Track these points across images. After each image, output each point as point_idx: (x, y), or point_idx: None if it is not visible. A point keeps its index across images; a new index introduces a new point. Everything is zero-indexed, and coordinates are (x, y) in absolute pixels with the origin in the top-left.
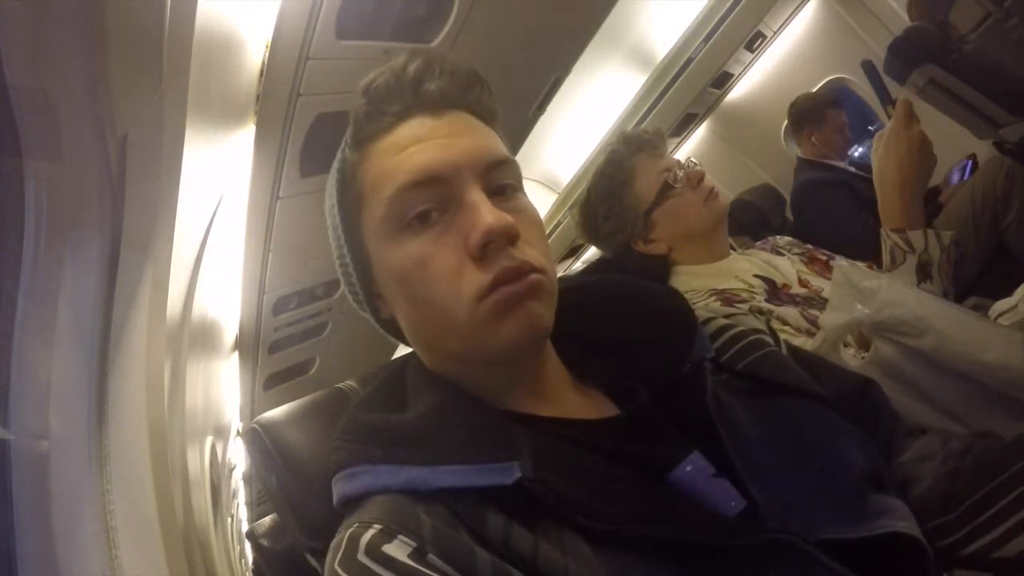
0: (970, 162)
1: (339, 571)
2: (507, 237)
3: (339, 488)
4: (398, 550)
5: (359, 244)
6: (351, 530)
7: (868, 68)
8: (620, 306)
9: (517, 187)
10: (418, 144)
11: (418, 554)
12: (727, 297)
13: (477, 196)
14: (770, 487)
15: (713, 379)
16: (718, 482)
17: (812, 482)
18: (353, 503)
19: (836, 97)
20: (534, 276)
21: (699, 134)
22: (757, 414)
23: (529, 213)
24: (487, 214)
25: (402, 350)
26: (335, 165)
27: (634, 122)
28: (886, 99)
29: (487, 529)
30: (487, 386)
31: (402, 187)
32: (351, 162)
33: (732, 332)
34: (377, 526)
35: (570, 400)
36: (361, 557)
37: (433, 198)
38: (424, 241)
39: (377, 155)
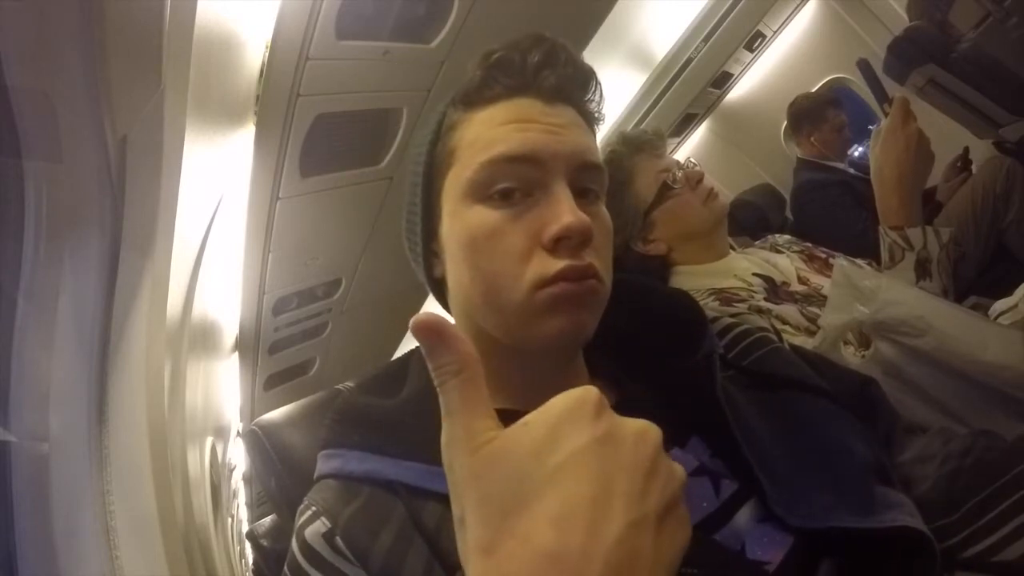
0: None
1: (294, 537)
2: (582, 238)
3: (318, 467)
4: (316, 535)
5: (435, 198)
6: (301, 506)
7: (864, 67)
8: (631, 302)
9: (600, 195)
10: (524, 123)
11: (330, 534)
12: (726, 296)
13: (563, 191)
14: (776, 474)
15: (720, 374)
16: (692, 482)
17: (818, 471)
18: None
19: (835, 97)
20: (594, 282)
21: (699, 134)
22: (763, 407)
23: (604, 223)
24: (569, 212)
25: (403, 350)
26: (434, 118)
27: (634, 122)
28: (882, 97)
29: (423, 515)
30: (503, 375)
31: (497, 157)
32: (451, 119)
33: (738, 330)
34: (313, 508)
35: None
36: (298, 532)
37: (522, 178)
38: (501, 216)
39: (481, 120)
